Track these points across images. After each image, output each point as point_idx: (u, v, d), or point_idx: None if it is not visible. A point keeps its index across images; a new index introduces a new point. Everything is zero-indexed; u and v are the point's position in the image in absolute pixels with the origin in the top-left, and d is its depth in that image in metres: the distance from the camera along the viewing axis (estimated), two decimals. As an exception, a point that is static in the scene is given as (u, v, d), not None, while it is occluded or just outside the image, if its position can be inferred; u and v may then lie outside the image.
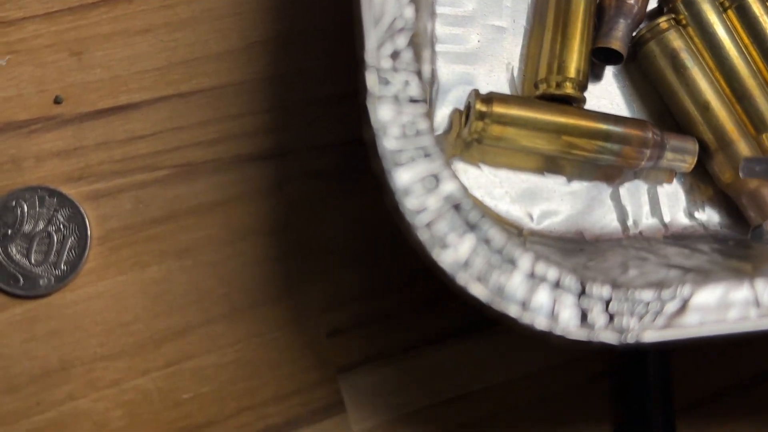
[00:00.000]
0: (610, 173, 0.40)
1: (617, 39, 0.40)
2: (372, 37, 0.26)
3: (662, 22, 0.40)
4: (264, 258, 0.38)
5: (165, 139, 0.39)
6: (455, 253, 0.26)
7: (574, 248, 0.38)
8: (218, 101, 0.39)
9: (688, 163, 0.39)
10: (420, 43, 0.33)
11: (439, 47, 0.40)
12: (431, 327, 0.38)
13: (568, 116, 0.38)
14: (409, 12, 0.27)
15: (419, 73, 0.27)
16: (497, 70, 0.41)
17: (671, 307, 0.26)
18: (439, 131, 0.39)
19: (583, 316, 0.26)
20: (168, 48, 0.40)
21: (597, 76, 0.42)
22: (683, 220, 0.40)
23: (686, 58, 0.39)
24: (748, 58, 0.40)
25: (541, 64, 0.40)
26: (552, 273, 0.27)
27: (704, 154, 0.40)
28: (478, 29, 0.41)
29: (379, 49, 0.26)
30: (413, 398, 0.38)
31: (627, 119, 0.39)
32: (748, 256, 0.35)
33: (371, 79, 0.26)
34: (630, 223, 0.39)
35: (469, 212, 0.27)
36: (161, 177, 0.38)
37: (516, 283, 0.26)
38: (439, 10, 0.40)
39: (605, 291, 0.27)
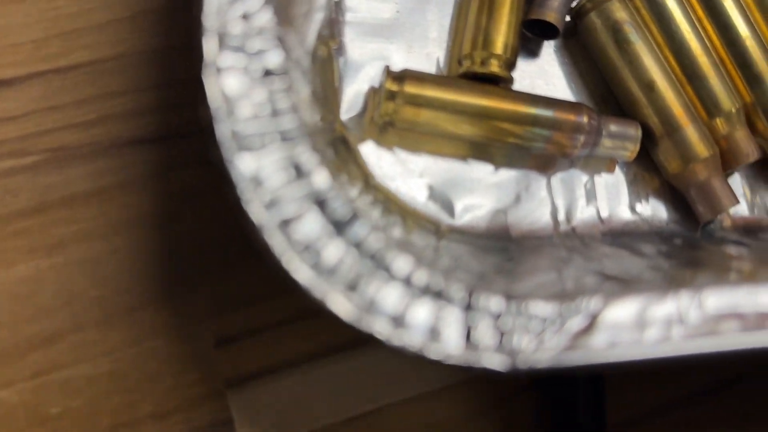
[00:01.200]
0: (543, 162, 0.35)
1: (552, 10, 0.35)
2: (214, -7, 0.21)
3: (605, -10, 0.35)
4: (144, 256, 0.33)
5: (37, 120, 0.34)
6: (315, 259, 0.21)
7: (496, 247, 0.33)
8: (98, 77, 0.35)
9: (630, 150, 0.34)
10: (304, 7, 0.28)
11: (349, 16, 0.35)
12: (334, 335, 0.34)
13: (491, 98, 0.33)
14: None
15: (282, 40, 0.23)
16: (419, 44, 0.36)
17: (575, 324, 0.22)
18: (353, 113, 0.35)
19: (469, 335, 0.22)
20: (46, 18, 0.35)
21: (532, 52, 0.37)
22: (624, 214, 0.35)
23: (630, 31, 0.35)
24: (702, 33, 0.36)
25: (465, 37, 0.35)
26: (435, 281, 0.22)
27: (649, 140, 0.35)
28: (395, -2, 0.36)
29: (224, 9, 0.21)
30: (314, 416, 0.33)
31: (560, 102, 0.34)
32: (695, 259, 0.31)
33: (209, 47, 0.21)
34: (562, 217, 0.35)
35: (337, 209, 0.22)
36: (31, 163, 0.34)
37: (388, 294, 0.22)
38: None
39: (495, 303, 0.22)
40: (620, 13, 0.35)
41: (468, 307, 0.22)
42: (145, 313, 0.33)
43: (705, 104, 0.35)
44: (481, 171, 0.35)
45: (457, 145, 0.35)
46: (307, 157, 0.22)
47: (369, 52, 0.35)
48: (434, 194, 0.35)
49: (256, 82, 0.22)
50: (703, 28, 0.36)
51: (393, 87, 0.33)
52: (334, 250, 0.22)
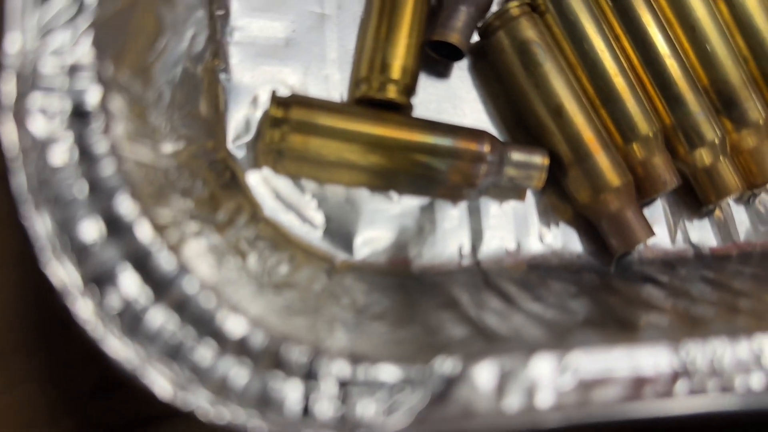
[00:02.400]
0: (449, 191, 0.33)
1: (455, 30, 0.33)
2: (19, 28, 0.19)
3: (513, 7, 0.33)
4: (14, 299, 0.31)
5: None
6: (128, 327, 0.19)
7: (393, 284, 0.31)
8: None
9: (536, 180, 0.32)
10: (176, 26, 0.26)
11: (237, 36, 0.33)
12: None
13: (386, 126, 0.31)
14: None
15: (101, 76, 0.20)
16: (316, 66, 0.34)
17: (423, 393, 0.20)
18: (245, 140, 0.32)
19: (307, 407, 0.20)
20: None
21: (441, 73, 0.35)
22: (533, 246, 0.33)
23: (537, 52, 0.32)
24: (619, 52, 0.34)
25: (363, 60, 0.33)
26: (272, 344, 0.20)
27: (558, 169, 0.33)
28: (291, 16, 0.34)
29: (31, 45, 0.19)
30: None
31: (460, 129, 0.32)
32: (596, 305, 0.28)
33: (7, 88, 0.19)
34: (466, 250, 0.33)
35: (161, 266, 0.20)
36: None
37: (213, 366, 0.19)
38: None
39: (339, 369, 0.20)
40: (529, 32, 0.33)
41: (308, 375, 0.20)
42: (16, 357, 0.31)
43: (620, 128, 0.33)
44: (384, 201, 0.33)
45: (357, 174, 0.33)
46: (126, 207, 0.20)
47: (261, 74, 0.33)
48: (331, 227, 0.32)
49: (66, 125, 0.20)
50: (621, 46, 0.34)
51: (278, 114, 0.30)
52: (151, 316, 0.19)
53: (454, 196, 0.33)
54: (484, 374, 0.20)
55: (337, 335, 0.23)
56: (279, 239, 0.31)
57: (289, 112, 0.30)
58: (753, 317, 0.24)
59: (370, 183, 0.33)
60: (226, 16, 0.32)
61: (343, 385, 0.20)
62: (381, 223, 0.33)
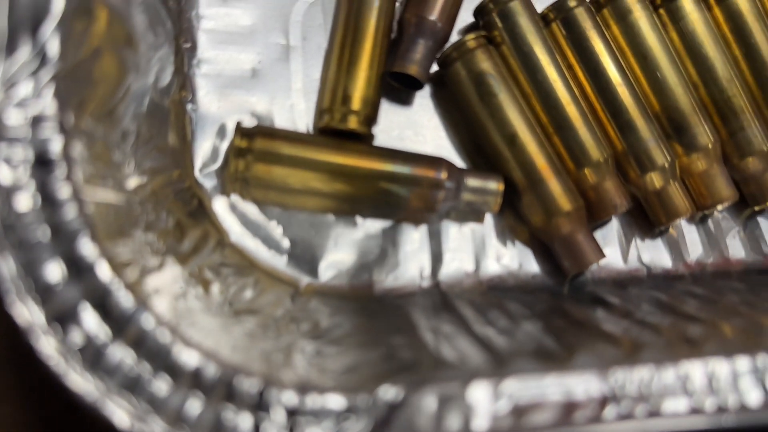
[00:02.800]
0: (412, 215, 0.35)
1: (413, 62, 0.34)
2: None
3: (470, 40, 0.34)
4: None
5: None
6: (88, 363, 0.20)
7: (355, 307, 0.32)
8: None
9: (491, 204, 0.34)
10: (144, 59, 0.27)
11: (205, 69, 0.34)
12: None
13: (347, 155, 0.32)
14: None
15: (63, 125, 0.22)
16: (282, 95, 0.35)
17: (367, 421, 0.21)
18: (212, 168, 0.34)
19: (258, 435, 0.21)
20: None
21: (403, 101, 0.36)
22: (491, 267, 0.34)
23: (492, 84, 0.34)
24: (572, 81, 0.35)
25: (326, 91, 0.34)
26: (225, 375, 0.21)
27: (513, 193, 0.34)
28: (258, 48, 0.35)
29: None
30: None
31: (419, 157, 0.33)
32: (550, 323, 0.30)
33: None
34: (426, 272, 0.34)
35: (120, 304, 0.21)
36: None
37: (169, 399, 0.21)
38: (204, 24, 0.34)
39: (288, 398, 0.21)
40: (484, 64, 0.34)
41: (259, 406, 0.21)
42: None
43: (573, 155, 0.34)
44: (348, 226, 0.34)
45: (322, 200, 0.34)
46: (87, 249, 0.21)
47: (228, 105, 0.34)
48: (296, 252, 0.34)
49: (29, 173, 0.21)
50: (574, 75, 0.35)
51: (243, 144, 0.32)
52: (110, 352, 0.21)
53: (416, 220, 0.35)
54: (425, 401, 0.22)
55: (293, 362, 0.24)
56: (245, 265, 0.32)
57: (253, 143, 0.32)
58: (686, 342, 0.26)
59: (335, 208, 0.34)
60: (193, 49, 0.34)
61: (292, 414, 0.21)
62: (345, 246, 0.34)
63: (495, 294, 0.33)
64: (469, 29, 0.37)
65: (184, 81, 0.33)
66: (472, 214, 0.35)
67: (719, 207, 0.36)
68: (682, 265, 0.36)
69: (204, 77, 0.34)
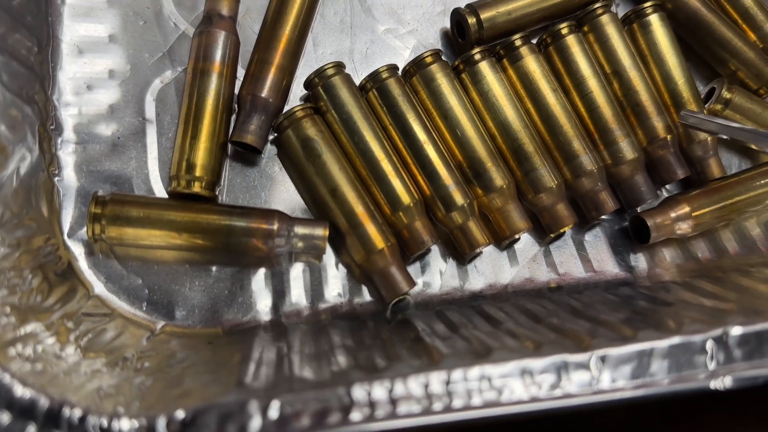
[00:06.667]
0: (254, 260, 0.41)
1: (250, 132, 0.41)
2: None
3: (298, 110, 0.41)
4: None
5: None
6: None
7: (202, 343, 0.38)
8: None
9: (320, 246, 0.40)
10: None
11: (70, 148, 0.40)
12: None
13: (190, 214, 0.39)
14: None
15: None
16: (139, 165, 0.41)
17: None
18: (79, 231, 0.40)
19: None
20: None
21: (250, 162, 0.43)
22: (329, 298, 0.41)
23: (316, 147, 0.40)
24: (385, 140, 0.42)
25: (174, 160, 0.41)
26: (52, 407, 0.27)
27: (339, 236, 0.41)
28: (117, 125, 0.41)
29: None
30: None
31: (253, 211, 0.40)
32: (368, 354, 0.36)
33: None
34: (268, 308, 0.40)
35: None
36: None
37: None
38: (69, 110, 0.40)
39: (128, 425, 0.27)
40: (311, 130, 0.41)
41: (78, 429, 0.27)
42: None
43: (388, 200, 0.41)
44: (201, 273, 0.40)
45: (176, 252, 0.40)
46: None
47: (92, 176, 0.40)
48: (154, 298, 0.39)
49: None
50: (388, 135, 0.42)
51: (97, 210, 0.38)
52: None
53: (259, 264, 0.41)
54: (208, 418, 0.28)
55: (122, 392, 0.30)
56: (107, 312, 0.38)
57: (105, 209, 0.38)
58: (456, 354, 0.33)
59: (188, 259, 0.40)
60: (59, 131, 0.40)
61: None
62: (198, 291, 0.40)
63: (324, 322, 0.40)
64: (307, 98, 0.44)
65: (51, 159, 0.39)
66: (308, 254, 0.42)
67: (516, 236, 0.43)
68: (493, 285, 0.43)
69: (70, 154, 0.40)
